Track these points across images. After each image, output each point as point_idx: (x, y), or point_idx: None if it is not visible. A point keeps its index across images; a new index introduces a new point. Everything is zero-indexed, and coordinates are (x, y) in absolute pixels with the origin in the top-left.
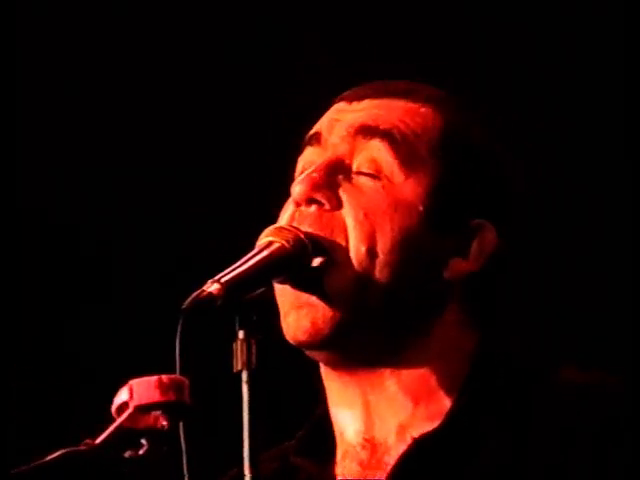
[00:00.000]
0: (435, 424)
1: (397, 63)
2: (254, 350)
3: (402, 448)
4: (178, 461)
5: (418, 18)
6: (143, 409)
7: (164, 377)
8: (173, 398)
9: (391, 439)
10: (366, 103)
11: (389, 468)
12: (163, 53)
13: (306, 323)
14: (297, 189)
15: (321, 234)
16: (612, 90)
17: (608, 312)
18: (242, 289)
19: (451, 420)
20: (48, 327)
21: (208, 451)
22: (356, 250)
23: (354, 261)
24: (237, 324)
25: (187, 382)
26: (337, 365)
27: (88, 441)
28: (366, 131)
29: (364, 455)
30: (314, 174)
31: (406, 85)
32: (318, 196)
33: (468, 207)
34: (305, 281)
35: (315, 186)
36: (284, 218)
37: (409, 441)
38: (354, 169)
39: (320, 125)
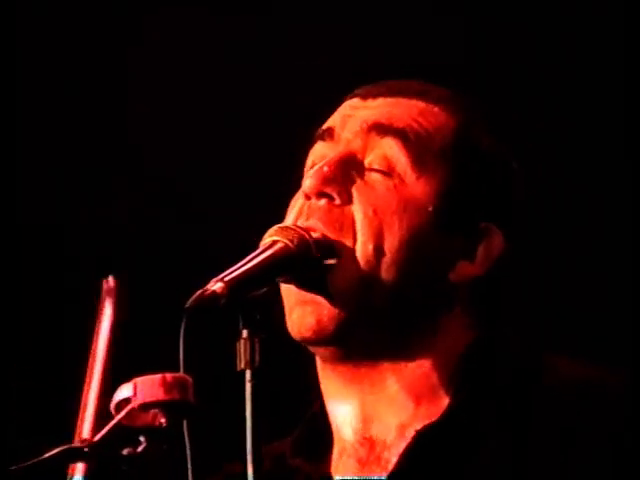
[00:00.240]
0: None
1: (397, 63)
2: (257, 349)
3: (402, 445)
4: (177, 459)
5: (418, 18)
6: (146, 407)
7: (168, 375)
8: (177, 397)
9: (390, 438)
10: (380, 101)
11: (389, 465)
12: (163, 53)
13: (311, 320)
14: (308, 182)
15: (329, 229)
16: (612, 90)
17: (608, 312)
18: (245, 288)
19: (451, 413)
20: (48, 327)
21: (211, 450)
22: (363, 247)
23: (360, 259)
24: (240, 323)
25: (191, 381)
26: (340, 361)
27: (86, 438)
28: (380, 128)
29: (362, 452)
30: (325, 168)
31: (420, 85)
32: (329, 190)
33: (477, 209)
34: (310, 280)
35: (326, 180)
36: (293, 211)
37: (409, 438)
38: (366, 165)
39: (333, 120)
